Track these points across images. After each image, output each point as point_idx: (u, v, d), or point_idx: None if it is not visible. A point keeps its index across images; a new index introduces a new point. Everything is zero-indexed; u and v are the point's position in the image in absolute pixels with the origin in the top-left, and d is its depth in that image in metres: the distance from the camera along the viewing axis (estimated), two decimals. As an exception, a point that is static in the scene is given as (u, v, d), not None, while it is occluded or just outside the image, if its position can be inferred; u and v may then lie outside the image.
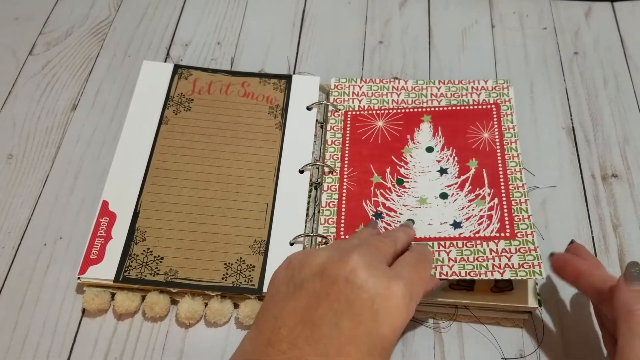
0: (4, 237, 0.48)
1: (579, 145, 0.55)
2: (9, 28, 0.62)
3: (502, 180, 0.47)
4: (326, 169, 0.50)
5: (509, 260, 0.43)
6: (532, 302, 0.43)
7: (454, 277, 0.42)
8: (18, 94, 0.57)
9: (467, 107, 0.52)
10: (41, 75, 0.58)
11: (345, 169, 0.50)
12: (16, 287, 0.46)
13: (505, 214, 0.45)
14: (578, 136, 0.55)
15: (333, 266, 0.32)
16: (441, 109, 0.53)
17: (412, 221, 0.46)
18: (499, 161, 0.49)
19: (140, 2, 0.65)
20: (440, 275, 0.42)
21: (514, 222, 0.45)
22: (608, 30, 0.63)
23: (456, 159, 0.49)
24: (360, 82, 0.55)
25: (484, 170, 0.48)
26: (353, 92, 0.54)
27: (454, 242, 0.45)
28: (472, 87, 0.54)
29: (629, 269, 0.37)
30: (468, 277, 0.42)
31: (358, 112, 0.53)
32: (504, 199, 0.46)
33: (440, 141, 0.51)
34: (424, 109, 0.53)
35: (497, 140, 0.50)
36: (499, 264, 0.43)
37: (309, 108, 0.54)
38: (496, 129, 0.50)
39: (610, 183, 0.52)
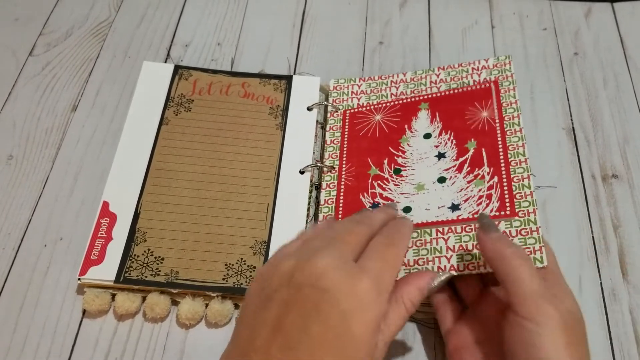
0: (4, 238, 0.48)
1: (579, 146, 0.55)
2: (9, 29, 0.62)
3: (502, 157, 0.45)
4: (325, 169, 0.50)
5: None
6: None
7: (452, 273, 0.40)
8: (18, 94, 0.57)
9: (464, 89, 0.51)
10: (41, 76, 0.58)
11: (344, 166, 0.49)
12: (16, 288, 0.46)
13: (506, 192, 0.43)
14: (578, 137, 0.55)
15: (299, 273, 0.32)
16: (439, 94, 0.51)
17: (409, 209, 0.45)
18: (499, 139, 0.47)
19: (141, 2, 0.65)
20: (438, 270, 0.41)
21: (515, 200, 0.43)
22: (608, 30, 0.63)
23: (454, 142, 0.48)
24: (359, 81, 0.55)
25: (483, 149, 0.46)
26: (352, 92, 0.54)
27: (453, 227, 0.43)
28: (473, 68, 0.52)
29: (481, 220, 0.38)
30: (467, 272, 0.40)
31: (356, 110, 0.53)
32: (504, 176, 0.44)
33: (438, 127, 0.49)
34: (421, 97, 0.52)
35: (497, 118, 0.48)
36: None
37: (309, 108, 0.54)
38: (495, 107, 0.48)
39: (611, 183, 0.52)
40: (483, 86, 0.50)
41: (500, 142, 0.46)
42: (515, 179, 0.44)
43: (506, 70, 0.51)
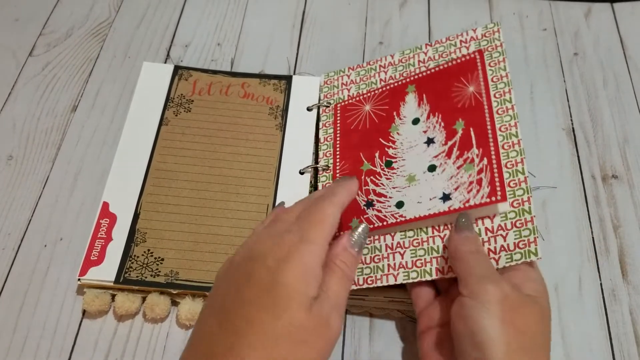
0: (4, 239, 0.48)
1: (579, 146, 0.55)
2: (9, 29, 0.62)
3: (490, 136, 0.41)
4: (320, 169, 0.49)
5: (505, 241, 0.39)
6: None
7: (450, 275, 0.39)
8: (18, 95, 0.57)
9: (449, 64, 0.46)
10: (41, 76, 0.58)
11: (338, 164, 0.48)
12: (16, 289, 0.46)
13: (496, 175, 0.40)
14: (578, 137, 0.55)
15: (238, 256, 0.35)
16: (424, 73, 0.47)
17: (402, 204, 0.43)
18: (487, 115, 0.42)
19: (141, 3, 0.65)
20: (436, 273, 0.40)
21: (509, 188, 0.40)
22: (608, 31, 0.63)
23: (442, 124, 0.44)
24: (349, 71, 0.53)
25: (471, 129, 0.42)
26: (342, 83, 0.53)
27: (449, 224, 0.41)
28: (461, 41, 0.48)
29: (459, 219, 0.39)
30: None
31: (347, 102, 0.51)
32: (493, 157, 0.41)
33: (425, 109, 0.46)
34: (408, 79, 0.48)
35: (483, 91, 0.43)
36: (495, 248, 0.39)
37: (309, 109, 0.54)
38: (481, 79, 0.44)
39: (611, 184, 0.52)
40: (467, 58, 0.46)
41: (488, 119, 0.42)
42: (508, 164, 0.40)
43: (495, 39, 0.46)
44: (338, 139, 0.50)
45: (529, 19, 0.64)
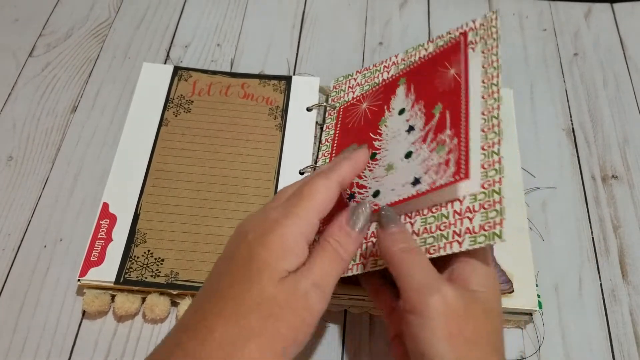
0: (4, 239, 0.48)
1: (579, 147, 0.55)
2: (9, 29, 0.62)
3: (463, 116, 0.39)
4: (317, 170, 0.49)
5: (471, 223, 0.36)
6: (532, 304, 0.43)
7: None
8: (18, 95, 0.57)
9: (437, 51, 0.45)
10: (41, 76, 0.58)
11: None
12: (16, 289, 0.46)
13: (462, 154, 0.38)
14: (578, 137, 0.55)
15: (232, 237, 0.35)
16: (414, 64, 0.47)
17: (378, 193, 0.41)
18: (462, 96, 0.40)
19: (140, 3, 0.65)
20: None
21: (482, 169, 0.38)
22: (608, 31, 0.63)
23: (423, 110, 0.43)
24: (356, 74, 0.53)
25: (447, 111, 0.41)
26: (349, 87, 0.53)
27: (421, 211, 0.39)
28: (460, 33, 0.46)
29: (381, 212, 0.36)
30: (427, 256, 0.36)
31: (349, 104, 0.51)
32: (462, 136, 0.39)
33: (411, 99, 0.44)
34: (400, 74, 0.47)
35: (463, 72, 0.42)
36: (460, 230, 0.36)
37: (309, 109, 0.54)
38: (462, 62, 0.42)
39: (611, 184, 0.52)
40: (453, 42, 0.44)
41: (463, 100, 0.40)
42: (485, 146, 0.38)
43: (492, 27, 0.44)
44: (337, 139, 0.50)
45: (529, 19, 0.64)
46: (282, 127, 0.53)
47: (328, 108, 0.53)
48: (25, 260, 0.47)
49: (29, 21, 0.62)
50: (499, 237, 0.34)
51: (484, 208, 0.36)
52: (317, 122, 0.54)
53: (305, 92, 0.55)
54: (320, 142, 0.52)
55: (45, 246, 0.48)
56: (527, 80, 0.59)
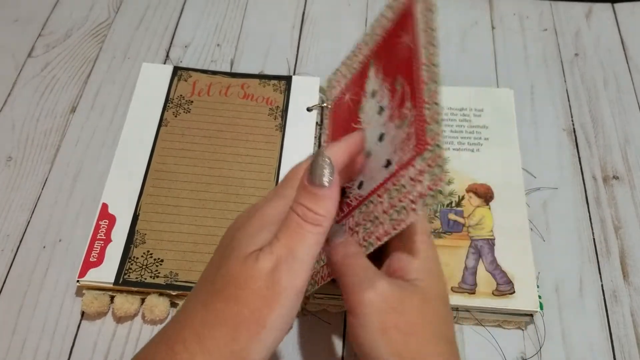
0: (3, 240, 0.48)
1: (579, 147, 0.55)
2: (8, 30, 0.62)
3: (417, 84, 0.36)
4: None
5: (422, 185, 0.33)
6: (533, 305, 0.43)
7: (379, 243, 0.34)
8: (17, 96, 0.57)
9: (394, 22, 0.42)
10: (40, 77, 0.58)
11: None
12: (15, 290, 0.45)
13: (420, 123, 0.35)
14: (579, 138, 0.55)
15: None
16: (379, 42, 0.43)
17: (362, 184, 0.38)
18: (414, 61, 0.37)
19: (140, 3, 0.65)
20: (377, 241, 0.34)
21: (427, 123, 0.34)
22: (608, 31, 0.63)
23: (389, 87, 0.39)
24: (341, 66, 0.49)
25: (405, 83, 0.37)
26: (336, 81, 0.50)
27: (386, 185, 0.35)
28: None
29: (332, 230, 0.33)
30: (394, 232, 0.33)
31: (337, 97, 0.49)
32: (418, 105, 0.35)
33: (380, 78, 0.41)
34: (369, 54, 0.44)
35: (413, 36, 0.38)
36: (414, 197, 0.33)
37: (309, 109, 0.54)
38: (412, 25, 0.39)
39: (612, 185, 0.52)
40: (403, 5, 0.41)
41: (414, 67, 0.37)
42: (428, 98, 0.34)
43: None
44: (329, 137, 0.48)
45: (529, 19, 0.64)
46: (282, 128, 0.52)
47: (328, 107, 0.53)
48: (24, 261, 0.47)
49: (28, 21, 0.62)
50: (441, 194, 0.32)
51: (429, 166, 0.33)
52: (317, 122, 0.53)
53: (305, 92, 0.55)
54: (320, 142, 0.51)
55: (44, 247, 0.48)
56: (527, 81, 0.59)
